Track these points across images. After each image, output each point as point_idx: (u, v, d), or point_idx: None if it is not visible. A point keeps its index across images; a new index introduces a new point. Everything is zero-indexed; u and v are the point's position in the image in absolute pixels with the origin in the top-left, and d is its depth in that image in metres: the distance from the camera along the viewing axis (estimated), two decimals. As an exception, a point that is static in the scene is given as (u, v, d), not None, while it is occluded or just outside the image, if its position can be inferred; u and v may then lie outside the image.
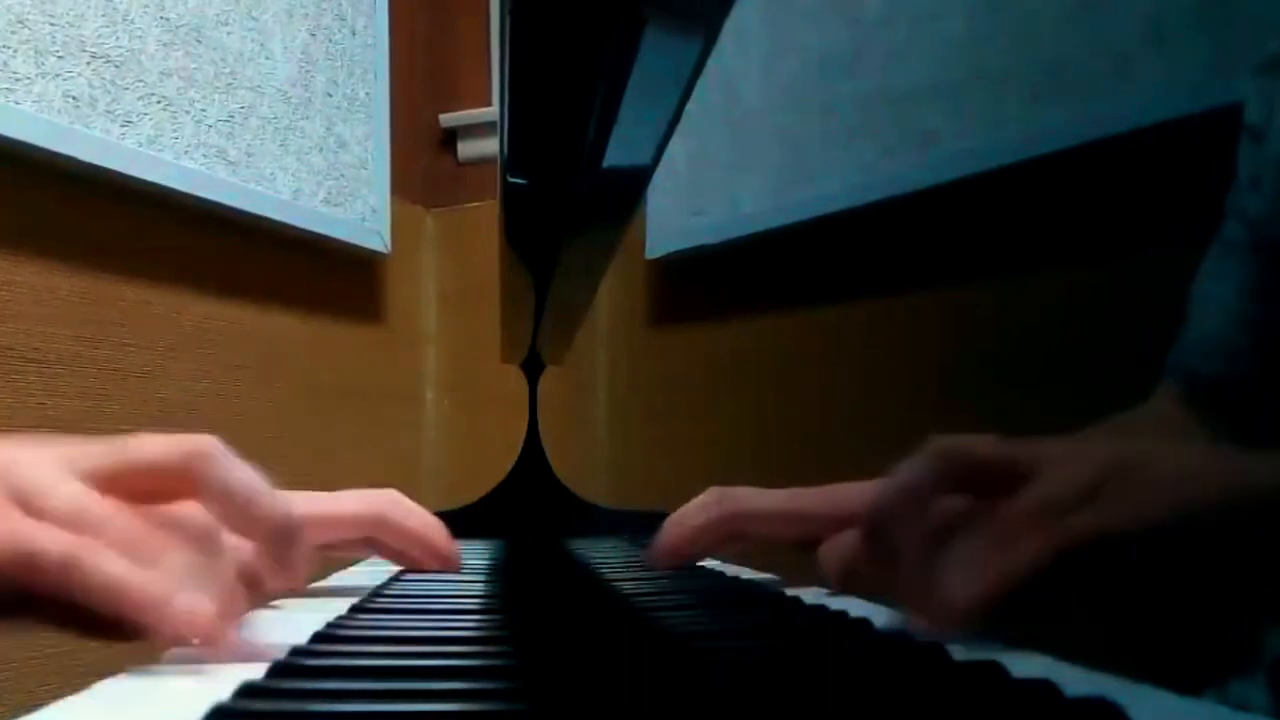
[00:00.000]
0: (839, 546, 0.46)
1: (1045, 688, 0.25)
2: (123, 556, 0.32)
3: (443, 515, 0.57)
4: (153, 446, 0.36)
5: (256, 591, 0.39)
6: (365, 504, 0.54)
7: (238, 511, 0.36)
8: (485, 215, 1.74)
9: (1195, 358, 0.65)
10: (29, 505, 0.33)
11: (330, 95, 1.53)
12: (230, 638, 0.33)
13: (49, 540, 0.32)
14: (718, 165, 1.44)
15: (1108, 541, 0.35)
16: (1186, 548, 0.36)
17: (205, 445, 0.36)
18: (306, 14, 1.49)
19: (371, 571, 0.62)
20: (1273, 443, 0.47)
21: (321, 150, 1.50)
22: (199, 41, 1.30)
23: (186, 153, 1.28)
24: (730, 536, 0.53)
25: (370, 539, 0.55)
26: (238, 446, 0.38)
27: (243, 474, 0.36)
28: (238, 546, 0.37)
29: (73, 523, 0.33)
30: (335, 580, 0.58)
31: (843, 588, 0.46)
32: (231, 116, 1.35)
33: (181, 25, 1.28)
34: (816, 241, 1.35)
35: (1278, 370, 0.60)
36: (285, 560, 0.37)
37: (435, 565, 0.55)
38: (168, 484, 0.36)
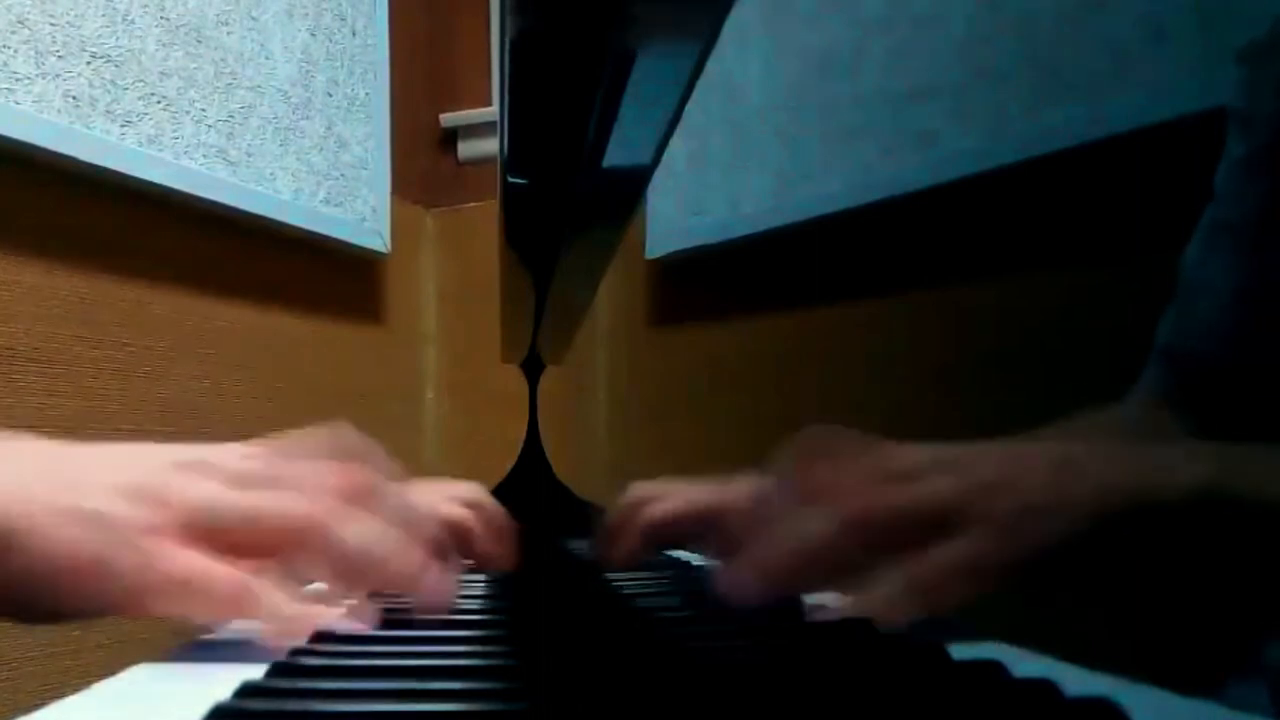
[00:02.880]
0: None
1: (1045, 688, 0.25)
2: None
3: None
4: (263, 517, 0.37)
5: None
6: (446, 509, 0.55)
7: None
8: (485, 215, 1.74)
9: (1191, 339, 0.65)
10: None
11: (330, 95, 1.53)
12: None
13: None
14: (718, 165, 1.44)
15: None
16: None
17: (308, 525, 0.37)
18: (306, 14, 1.49)
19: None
20: (1254, 432, 0.47)
21: (321, 150, 1.50)
22: (199, 41, 1.30)
23: (186, 153, 1.28)
24: (656, 545, 0.58)
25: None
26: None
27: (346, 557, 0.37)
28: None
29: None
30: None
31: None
32: (231, 116, 1.35)
33: (181, 25, 1.28)
34: (816, 241, 1.35)
35: (1266, 359, 0.59)
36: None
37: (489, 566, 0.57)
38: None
